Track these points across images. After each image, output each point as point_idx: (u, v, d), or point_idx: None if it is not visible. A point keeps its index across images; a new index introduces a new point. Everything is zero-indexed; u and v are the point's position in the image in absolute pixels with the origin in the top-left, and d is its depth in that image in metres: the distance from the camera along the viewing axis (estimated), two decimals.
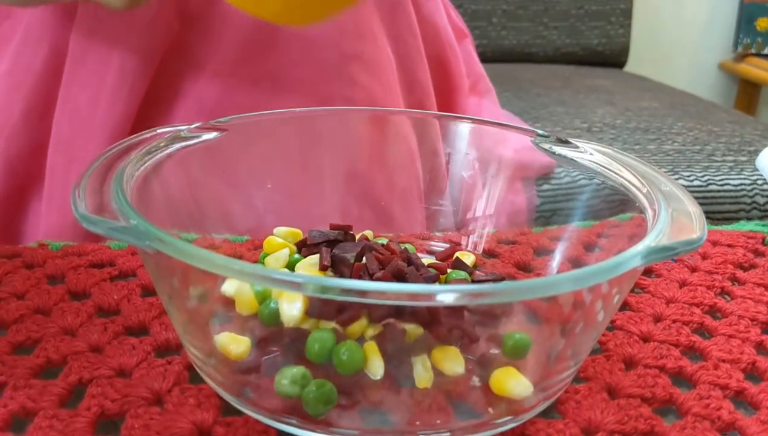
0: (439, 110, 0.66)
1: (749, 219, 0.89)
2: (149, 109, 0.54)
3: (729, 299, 0.39)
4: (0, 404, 0.28)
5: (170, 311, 0.30)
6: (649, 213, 0.30)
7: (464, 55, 0.75)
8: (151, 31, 0.52)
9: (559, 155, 0.38)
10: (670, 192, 0.31)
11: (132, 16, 0.51)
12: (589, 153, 0.37)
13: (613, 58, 1.71)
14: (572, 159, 0.37)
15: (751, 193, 0.89)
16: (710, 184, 0.89)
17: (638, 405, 0.30)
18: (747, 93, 2.09)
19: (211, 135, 0.36)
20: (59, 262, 0.39)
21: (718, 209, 0.89)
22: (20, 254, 0.40)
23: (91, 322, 0.34)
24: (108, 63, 0.52)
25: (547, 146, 0.38)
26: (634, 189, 0.33)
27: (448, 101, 0.70)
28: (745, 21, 2.03)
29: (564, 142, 0.38)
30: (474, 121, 0.41)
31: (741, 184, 0.90)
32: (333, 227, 0.37)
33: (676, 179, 0.89)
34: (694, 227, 0.28)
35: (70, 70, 0.52)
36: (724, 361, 0.33)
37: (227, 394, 0.28)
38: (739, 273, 0.42)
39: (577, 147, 0.37)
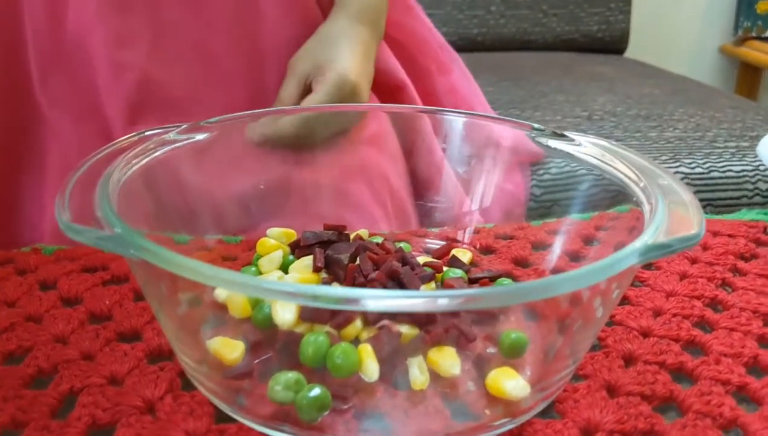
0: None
1: (751, 205, 0.88)
2: None
3: (730, 290, 0.39)
4: None
5: (161, 320, 0.30)
6: (646, 208, 0.30)
7: (420, 25, 0.69)
8: None
9: (555, 149, 0.37)
10: (668, 186, 0.31)
11: None
12: (585, 146, 0.36)
13: (613, 45, 1.69)
14: (569, 153, 0.37)
15: (753, 180, 0.88)
16: (712, 170, 0.88)
17: (638, 403, 0.29)
18: (748, 77, 2.07)
19: (201, 136, 0.36)
20: (52, 267, 0.39)
21: (720, 196, 0.88)
22: (13, 259, 0.40)
23: (83, 329, 0.33)
24: None
25: (543, 140, 0.37)
26: (631, 183, 0.32)
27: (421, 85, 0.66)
28: (746, 4, 2.01)
29: (559, 136, 0.37)
30: (468, 115, 0.41)
31: (743, 171, 0.89)
32: (327, 228, 0.37)
33: (678, 167, 0.88)
34: (692, 222, 0.28)
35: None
36: (725, 355, 0.33)
37: (220, 401, 0.28)
38: (741, 264, 0.42)
39: (573, 140, 0.37)
